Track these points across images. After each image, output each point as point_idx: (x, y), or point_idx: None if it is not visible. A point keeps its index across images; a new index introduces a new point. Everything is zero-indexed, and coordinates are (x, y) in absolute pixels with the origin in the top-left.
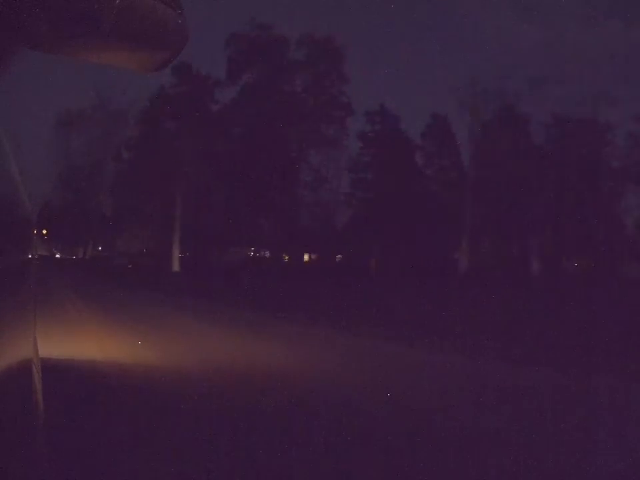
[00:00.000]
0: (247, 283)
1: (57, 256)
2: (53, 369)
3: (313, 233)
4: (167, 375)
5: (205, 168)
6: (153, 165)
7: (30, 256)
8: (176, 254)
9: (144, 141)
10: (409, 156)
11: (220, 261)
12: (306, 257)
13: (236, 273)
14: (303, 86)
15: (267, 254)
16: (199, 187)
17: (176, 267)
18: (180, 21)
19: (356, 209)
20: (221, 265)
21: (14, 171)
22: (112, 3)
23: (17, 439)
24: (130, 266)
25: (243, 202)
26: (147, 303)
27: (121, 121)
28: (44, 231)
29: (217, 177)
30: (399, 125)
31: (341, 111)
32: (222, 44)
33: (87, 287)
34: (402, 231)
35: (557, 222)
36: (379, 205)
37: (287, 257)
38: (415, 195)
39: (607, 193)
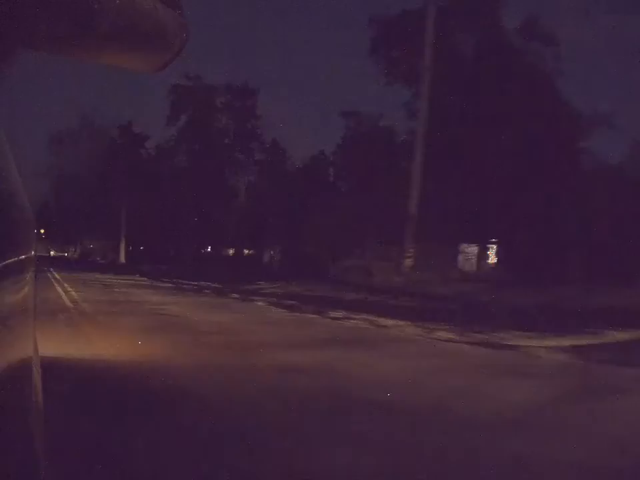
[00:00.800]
0: (165, 266)
1: (52, 253)
2: (52, 368)
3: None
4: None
5: (144, 191)
6: (107, 190)
7: (32, 253)
8: (122, 251)
9: (102, 175)
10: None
11: (165, 255)
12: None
13: (167, 262)
14: (225, 123)
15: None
16: (142, 204)
17: (122, 259)
18: (180, 21)
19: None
20: (161, 258)
21: (14, 170)
22: (112, 3)
23: (17, 439)
24: (98, 259)
25: (181, 211)
26: (91, 274)
27: (103, 140)
28: (42, 230)
29: (157, 196)
30: (285, 155)
31: (255, 141)
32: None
33: (65, 269)
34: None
35: None
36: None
37: (231, 252)
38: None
39: None
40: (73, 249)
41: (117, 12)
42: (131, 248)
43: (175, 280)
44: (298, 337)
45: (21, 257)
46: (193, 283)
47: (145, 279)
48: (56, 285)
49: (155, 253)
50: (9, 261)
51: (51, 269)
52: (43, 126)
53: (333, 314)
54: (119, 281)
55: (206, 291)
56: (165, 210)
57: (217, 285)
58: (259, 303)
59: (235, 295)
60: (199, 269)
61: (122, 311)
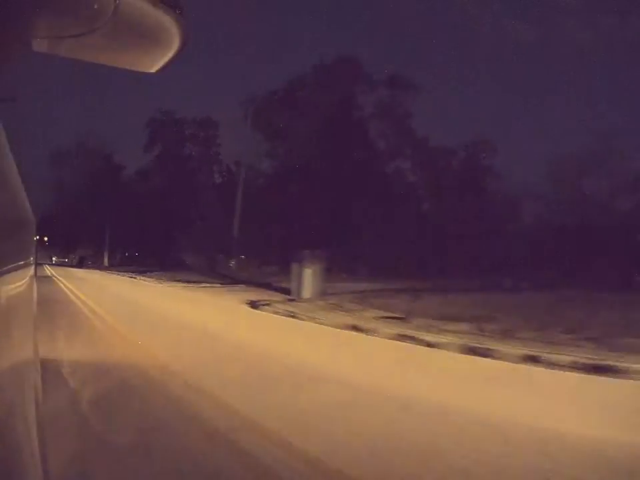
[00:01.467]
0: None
1: (54, 259)
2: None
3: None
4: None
5: (129, 208)
6: (92, 208)
7: (32, 258)
8: (106, 257)
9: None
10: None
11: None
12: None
13: (142, 264)
14: (193, 150)
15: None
16: (128, 219)
17: (106, 263)
18: (180, 21)
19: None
20: (145, 261)
21: (14, 170)
22: (112, 3)
23: (17, 439)
24: (89, 263)
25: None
26: (74, 269)
27: (94, 161)
28: (45, 238)
29: (139, 212)
30: (237, 178)
31: (217, 165)
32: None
33: (59, 269)
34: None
35: None
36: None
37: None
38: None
39: None
40: (73, 256)
41: (117, 12)
42: (127, 254)
43: (121, 272)
44: (109, 281)
45: (21, 256)
46: (129, 273)
47: (101, 271)
48: (47, 271)
49: (144, 258)
50: (8, 261)
51: (48, 266)
52: (48, 138)
53: (156, 282)
54: (84, 272)
55: (124, 275)
56: (147, 223)
57: (134, 274)
58: (128, 277)
59: (128, 276)
60: (159, 268)
61: (68, 275)
